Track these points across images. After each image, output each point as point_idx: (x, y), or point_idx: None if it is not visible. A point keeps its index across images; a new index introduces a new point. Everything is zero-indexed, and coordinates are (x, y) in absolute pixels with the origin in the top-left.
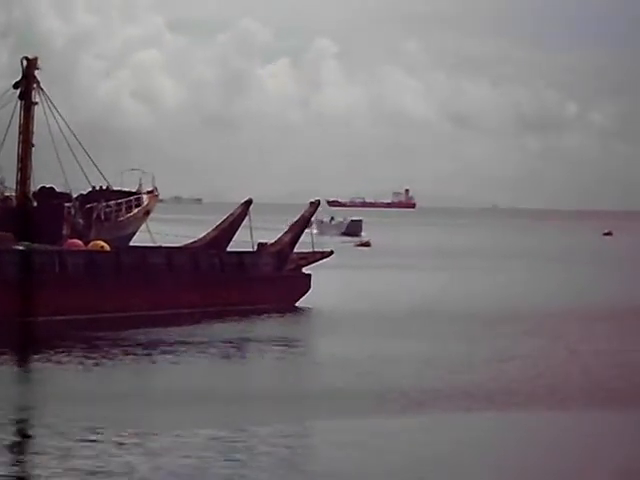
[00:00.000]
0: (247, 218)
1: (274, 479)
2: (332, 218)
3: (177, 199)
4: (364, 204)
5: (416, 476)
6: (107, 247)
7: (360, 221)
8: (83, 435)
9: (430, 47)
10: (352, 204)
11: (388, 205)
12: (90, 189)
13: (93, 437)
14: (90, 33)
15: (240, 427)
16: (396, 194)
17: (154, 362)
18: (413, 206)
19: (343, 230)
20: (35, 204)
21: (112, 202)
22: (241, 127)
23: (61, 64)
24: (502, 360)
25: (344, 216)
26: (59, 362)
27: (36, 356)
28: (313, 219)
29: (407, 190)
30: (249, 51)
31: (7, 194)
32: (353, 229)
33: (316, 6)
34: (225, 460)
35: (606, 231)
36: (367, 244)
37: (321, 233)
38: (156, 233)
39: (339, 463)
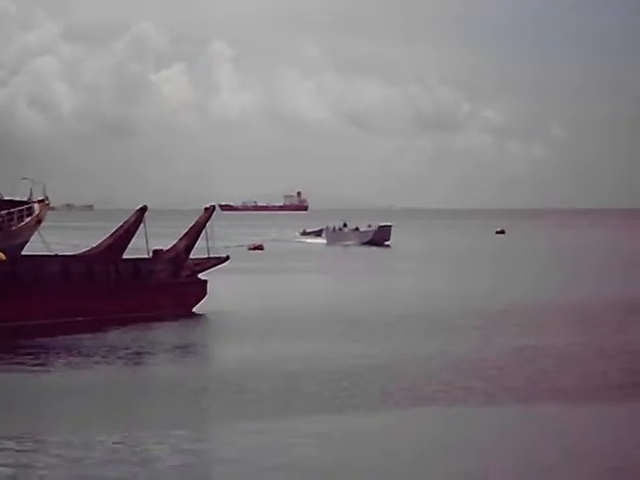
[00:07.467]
0: (142, 225)
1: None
2: (345, 224)
3: (68, 206)
4: (256, 207)
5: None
6: (3, 256)
7: (390, 227)
8: None
9: (324, 48)
10: (244, 208)
11: (280, 208)
12: None
13: None
14: None
15: (132, 433)
16: (288, 197)
17: (48, 370)
18: (305, 209)
19: (369, 238)
20: None
21: (3, 212)
22: (136, 133)
23: None
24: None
25: (369, 222)
26: None
27: None
28: (325, 227)
29: (299, 193)
30: (144, 57)
31: None
32: (381, 237)
33: (211, 10)
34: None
35: (499, 229)
36: (260, 247)
37: (331, 243)
38: (53, 243)
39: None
